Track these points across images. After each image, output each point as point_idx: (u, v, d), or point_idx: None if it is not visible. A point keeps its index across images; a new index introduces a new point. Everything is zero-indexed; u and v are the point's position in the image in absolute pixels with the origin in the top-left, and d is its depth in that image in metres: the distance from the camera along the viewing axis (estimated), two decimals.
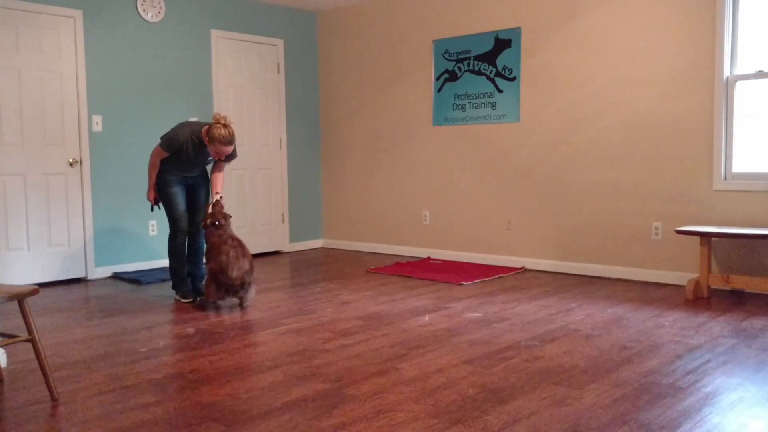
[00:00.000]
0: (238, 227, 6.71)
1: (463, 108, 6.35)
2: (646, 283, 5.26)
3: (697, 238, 5.02)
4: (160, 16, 6.19)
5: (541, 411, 2.67)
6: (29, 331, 2.86)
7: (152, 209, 5.02)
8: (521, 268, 5.97)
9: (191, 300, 4.81)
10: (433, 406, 2.73)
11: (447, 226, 6.58)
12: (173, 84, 6.31)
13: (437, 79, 6.54)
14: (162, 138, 4.65)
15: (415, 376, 3.11)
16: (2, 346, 3.37)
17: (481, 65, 6.20)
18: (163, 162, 4.70)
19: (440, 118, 6.53)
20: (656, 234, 5.24)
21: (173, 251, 4.80)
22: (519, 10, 5.90)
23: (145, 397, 2.89)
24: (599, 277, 5.52)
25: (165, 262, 6.27)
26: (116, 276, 5.89)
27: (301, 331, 3.96)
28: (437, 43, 6.51)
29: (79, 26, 5.66)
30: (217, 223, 4.57)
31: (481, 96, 6.21)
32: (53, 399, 2.87)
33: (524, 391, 2.90)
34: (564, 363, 3.28)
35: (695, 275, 5.04)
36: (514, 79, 5.97)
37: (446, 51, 6.45)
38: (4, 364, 3.30)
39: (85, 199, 5.76)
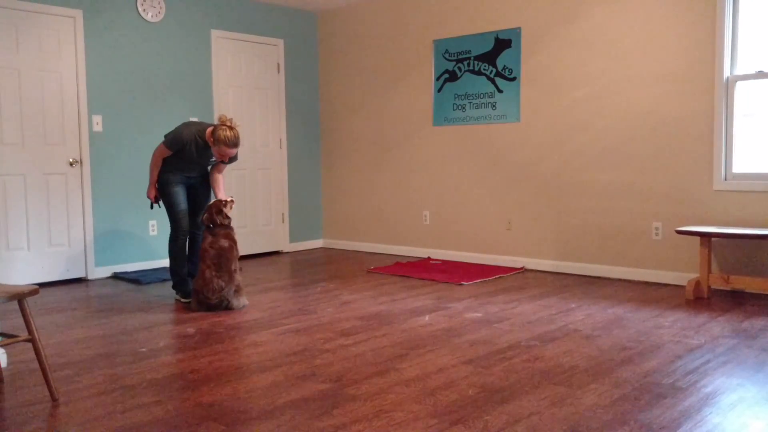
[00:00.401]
0: (238, 227, 6.70)
1: (464, 108, 6.35)
2: (647, 283, 5.26)
3: (698, 239, 5.02)
4: (160, 16, 6.19)
5: (541, 411, 2.67)
6: (29, 331, 2.86)
7: (152, 207, 5.01)
8: (521, 268, 5.97)
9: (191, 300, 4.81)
10: (434, 406, 2.73)
11: (447, 226, 6.58)
12: (173, 84, 6.31)
13: (437, 79, 6.54)
14: (166, 136, 4.65)
15: (416, 376, 3.11)
16: (2, 346, 3.37)
17: (481, 65, 6.20)
18: (165, 161, 4.70)
19: (440, 118, 6.53)
20: (656, 234, 5.24)
21: (174, 251, 4.80)
22: (519, 10, 5.90)
23: (145, 397, 2.89)
24: (599, 278, 5.52)
25: (165, 262, 6.27)
26: (116, 276, 5.89)
27: (301, 331, 3.96)
28: (437, 43, 6.51)
29: (79, 26, 5.67)
30: (211, 225, 4.55)
31: (482, 96, 6.21)
32: (53, 399, 2.87)
33: (524, 391, 2.90)
34: (564, 363, 3.28)
35: (695, 275, 5.04)
36: (514, 79, 5.97)
37: (446, 51, 6.45)
38: (4, 364, 3.30)
39: (86, 199, 5.76)
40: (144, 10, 6.07)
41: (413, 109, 6.75)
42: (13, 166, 5.37)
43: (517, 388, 2.94)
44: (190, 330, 4.04)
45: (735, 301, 4.60)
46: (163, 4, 6.19)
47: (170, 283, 5.42)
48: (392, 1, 6.85)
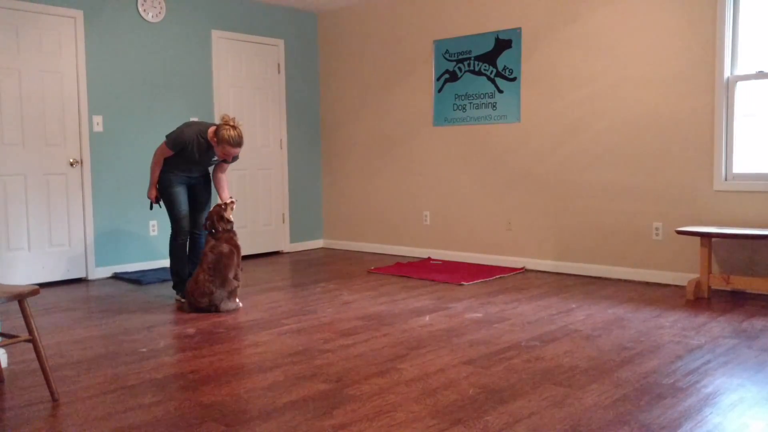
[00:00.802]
0: (238, 227, 6.70)
1: (464, 108, 6.35)
2: (647, 283, 5.26)
3: (698, 239, 5.02)
4: (161, 17, 6.19)
5: (541, 411, 2.67)
6: (30, 331, 2.86)
7: (151, 207, 5.01)
8: (522, 268, 5.97)
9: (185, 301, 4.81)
10: (434, 407, 2.73)
11: (447, 227, 6.58)
12: (174, 84, 6.31)
13: (438, 79, 6.54)
14: (167, 136, 4.64)
15: (416, 377, 3.11)
16: (3, 346, 3.37)
17: (481, 65, 6.21)
18: (166, 161, 4.69)
19: (441, 118, 6.53)
20: (657, 234, 5.24)
21: (174, 251, 4.80)
22: (519, 10, 5.90)
23: (146, 398, 2.89)
24: (600, 278, 5.52)
25: (166, 263, 6.27)
26: (117, 276, 5.89)
27: (301, 332, 3.96)
28: (438, 44, 6.51)
29: (79, 27, 5.67)
30: (213, 230, 4.55)
31: (482, 96, 6.21)
32: (54, 399, 2.87)
33: (525, 391, 2.90)
34: (564, 363, 3.28)
35: (696, 276, 5.04)
36: (514, 79, 5.98)
37: (447, 51, 6.45)
38: (4, 364, 3.30)
39: (86, 200, 5.76)
40: (144, 10, 6.07)
41: (413, 109, 6.75)
42: (14, 167, 5.38)
43: (518, 388, 2.94)
44: (191, 330, 4.04)
45: (735, 302, 4.60)
46: (163, 5, 6.19)
47: (171, 284, 5.43)
48: (393, 2, 6.86)
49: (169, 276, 5.66)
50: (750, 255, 4.83)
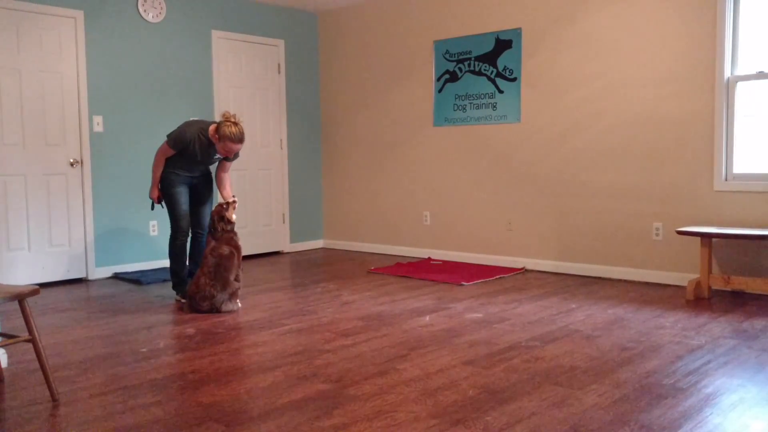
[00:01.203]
0: (239, 227, 6.70)
1: (464, 108, 6.35)
2: (647, 283, 5.26)
3: (698, 239, 5.02)
4: (161, 17, 6.19)
5: (541, 412, 2.67)
6: (30, 331, 2.86)
7: (153, 208, 5.00)
8: (522, 268, 5.97)
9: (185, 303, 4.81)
10: (434, 407, 2.73)
11: (448, 227, 6.57)
12: (174, 84, 6.31)
13: (438, 79, 6.54)
14: (168, 136, 4.64)
15: (416, 377, 3.11)
16: (3, 347, 3.37)
17: (481, 66, 6.20)
18: (167, 161, 4.69)
19: (441, 118, 6.53)
20: (657, 235, 5.24)
21: (173, 251, 4.80)
22: (519, 10, 5.90)
23: (146, 398, 2.89)
24: (600, 278, 5.52)
25: (166, 263, 6.27)
26: (117, 276, 5.89)
27: (301, 332, 3.96)
28: (438, 44, 6.51)
29: (80, 27, 5.67)
30: (214, 230, 4.55)
31: (482, 96, 6.21)
32: (54, 399, 2.87)
33: (525, 391, 2.90)
34: (564, 363, 3.28)
35: (696, 276, 5.04)
36: (514, 79, 5.97)
37: (447, 51, 6.45)
38: (4, 365, 3.30)
39: (86, 200, 5.76)
40: (145, 10, 6.07)
41: (414, 109, 6.75)
42: (14, 167, 5.38)
43: (518, 388, 2.94)
44: (191, 330, 4.04)
45: (735, 302, 4.60)
46: (163, 5, 6.19)
47: (171, 284, 5.42)
48: (393, 2, 6.86)
49: (169, 276, 5.66)
50: (750, 255, 4.82)
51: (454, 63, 6.40)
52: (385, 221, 7.10)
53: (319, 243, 7.68)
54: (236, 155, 4.72)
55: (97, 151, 5.82)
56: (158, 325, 4.17)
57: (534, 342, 3.67)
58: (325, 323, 4.16)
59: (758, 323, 4.02)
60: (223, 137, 4.47)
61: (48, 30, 5.51)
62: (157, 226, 6.24)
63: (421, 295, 4.97)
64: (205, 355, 3.51)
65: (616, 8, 5.34)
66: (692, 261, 5.08)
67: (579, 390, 2.90)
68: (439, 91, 6.53)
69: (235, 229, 4.83)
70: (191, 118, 5.85)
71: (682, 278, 5.12)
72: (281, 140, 7.22)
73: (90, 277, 5.82)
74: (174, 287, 4.89)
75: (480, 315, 4.31)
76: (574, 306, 4.53)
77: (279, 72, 7.17)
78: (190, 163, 4.69)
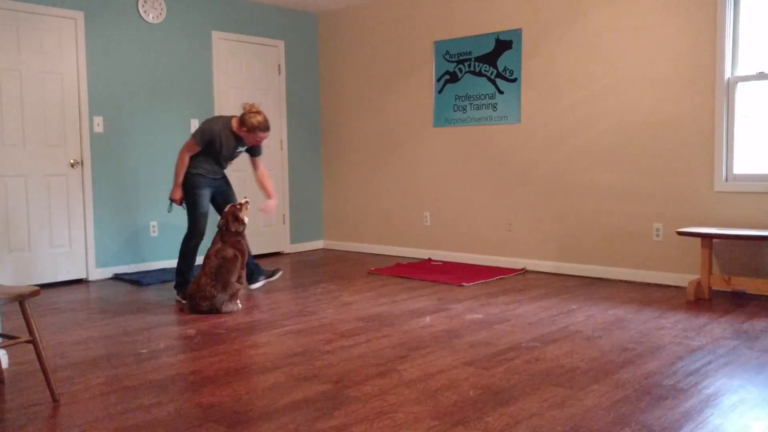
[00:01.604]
0: None
1: (464, 109, 6.35)
2: (647, 284, 5.25)
3: (699, 240, 5.02)
4: (161, 18, 6.19)
5: (542, 412, 2.67)
6: (30, 332, 2.86)
7: (170, 209, 4.97)
8: (522, 269, 5.96)
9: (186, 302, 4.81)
10: (434, 408, 2.73)
11: (448, 227, 6.57)
12: (174, 85, 6.31)
13: (438, 80, 6.54)
14: (194, 133, 4.68)
15: (416, 378, 3.11)
16: (3, 347, 3.37)
17: (481, 66, 6.20)
18: (192, 160, 4.70)
19: (441, 119, 6.53)
20: (657, 235, 5.24)
21: (185, 251, 4.79)
22: (520, 11, 5.90)
23: (146, 399, 2.89)
24: (600, 279, 5.52)
25: (166, 263, 6.27)
26: (117, 277, 5.89)
27: (302, 333, 3.96)
28: (438, 45, 6.51)
29: (80, 28, 5.67)
30: (226, 229, 4.56)
31: (482, 97, 6.21)
32: (54, 400, 2.87)
33: (525, 392, 2.90)
34: (565, 364, 3.28)
35: (696, 276, 5.04)
36: (515, 80, 5.97)
37: (447, 52, 6.45)
38: (5, 365, 3.30)
39: (86, 200, 5.76)
40: (145, 11, 6.07)
41: (414, 110, 6.75)
42: (15, 168, 5.38)
43: (518, 389, 2.94)
44: (191, 331, 4.04)
45: (736, 303, 4.60)
46: (164, 6, 6.19)
47: (171, 285, 5.41)
48: (393, 2, 6.86)
49: (169, 277, 5.66)
50: (751, 256, 4.82)
51: (455, 63, 6.40)
52: (386, 222, 7.10)
53: (319, 244, 7.68)
54: (260, 149, 4.89)
55: (97, 151, 5.82)
56: (159, 326, 4.17)
57: (534, 343, 3.67)
58: (326, 324, 4.16)
59: (759, 324, 4.02)
60: (252, 128, 4.53)
61: (48, 31, 5.51)
62: (158, 226, 6.24)
63: (421, 295, 4.96)
64: (205, 356, 3.51)
65: (617, 9, 5.34)
66: (693, 262, 5.08)
67: (579, 391, 2.90)
68: (440, 91, 6.53)
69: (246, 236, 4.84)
70: (191, 120, 5.86)
71: (683, 279, 5.12)
72: (281, 141, 7.21)
73: (90, 278, 5.81)
74: (177, 286, 4.87)
75: (480, 316, 4.31)
76: (574, 307, 4.53)
77: (279, 72, 7.17)
78: (215, 159, 4.71)
